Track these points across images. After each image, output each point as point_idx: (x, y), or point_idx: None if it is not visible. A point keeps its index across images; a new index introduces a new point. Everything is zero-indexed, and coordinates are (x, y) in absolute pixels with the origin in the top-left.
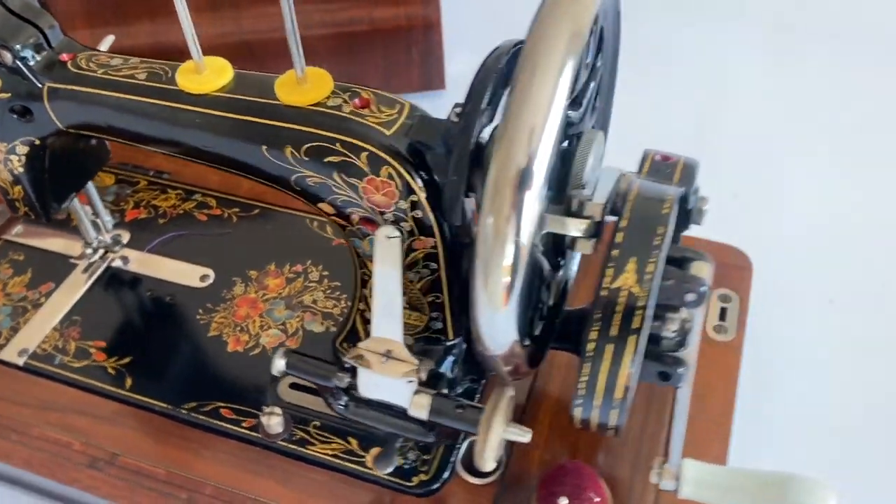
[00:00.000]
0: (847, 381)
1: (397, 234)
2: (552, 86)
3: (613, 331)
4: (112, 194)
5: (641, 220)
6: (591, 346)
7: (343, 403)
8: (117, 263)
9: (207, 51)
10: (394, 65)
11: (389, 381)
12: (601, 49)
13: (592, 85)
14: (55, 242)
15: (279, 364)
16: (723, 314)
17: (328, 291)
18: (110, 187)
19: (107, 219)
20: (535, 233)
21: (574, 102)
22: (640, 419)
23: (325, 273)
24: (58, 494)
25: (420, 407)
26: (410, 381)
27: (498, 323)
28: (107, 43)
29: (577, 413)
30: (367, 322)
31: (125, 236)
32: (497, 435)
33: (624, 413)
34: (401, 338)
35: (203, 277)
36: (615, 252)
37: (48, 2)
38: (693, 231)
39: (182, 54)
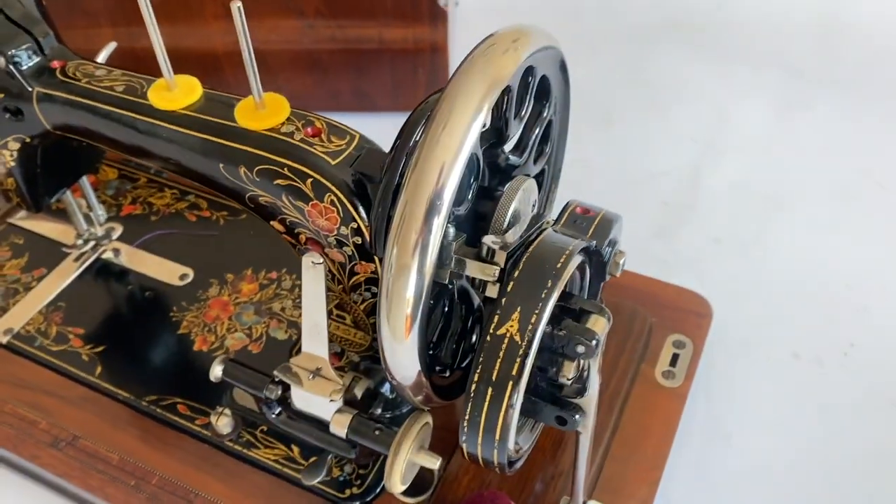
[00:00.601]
0: (803, 441)
1: (321, 260)
2: (465, 126)
3: (493, 375)
4: (113, 188)
5: (533, 272)
6: (473, 386)
7: (276, 413)
8: (108, 255)
9: (222, 57)
10: (401, 83)
11: (316, 397)
12: (547, 99)
13: (537, 131)
14: (54, 229)
15: (216, 371)
16: (674, 360)
17: (297, 301)
18: (112, 181)
19: (99, 212)
20: (437, 266)
21: (517, 148)
22: (571, 457)
23: (298, 282)
24: (17, 465)
25: (340, 425)
26: (333, 401)
27: (400, 354)
28: (107, 51)
29: (464, 447)
30: None
31: (118, 230)
32: (403, 459)
33: (504, 452)
34: (327, 357)
35: (182, 276)
36: (504, 300)
37: (72, 3)
38: (656, 272)
39: (197, 59)
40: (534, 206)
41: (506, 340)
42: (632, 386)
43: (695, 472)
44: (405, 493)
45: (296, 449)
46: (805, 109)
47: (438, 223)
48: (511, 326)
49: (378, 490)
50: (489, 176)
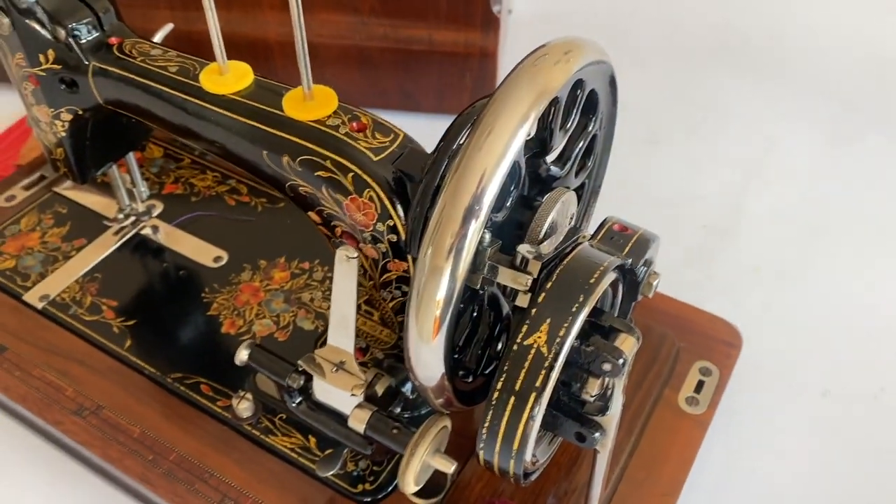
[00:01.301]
0: (826, 481)
1: (355, 255)
2: (510, 134)
3: (517, 385)
4: (157, 166)
5: (566, 285)
6: (495, 395)
7: (296, 402)
8: (147, 231)
9: (274, 46)
10: (447, 86)
11: (338, 390)
12: (594, 113)
13: (581, 145)
14: (97, 202)
15: (242, 355)
16: (699, 387)
17: (326, 293)
18: (157, 159)
19: (142, 189)
20: (470, 271)
21: (560, 160)
22: (586, 475)
23: (330, 274)
24: (40, 429)
25: (359, 420)
26: (354, 395)
27: (425, 355)
28: (163, 32)
29: (481, 454)
30: None
31: (158, 207)
32: (419, 460)
33: (520, 463)
34: (352, 351)
35: (217, 259)
36: (533, 311)
37: None
38: (690, 296)
39: (249, 46)
40: (571, 218)
41: (532, 351)
42: (653, 409)
43: (710, 502)
44: (417, 494)
45: (312, 440)
46: (855, 143)
47: (475, 228)
48: (539, 338)
49: (390, 489)
50: (529, 185)
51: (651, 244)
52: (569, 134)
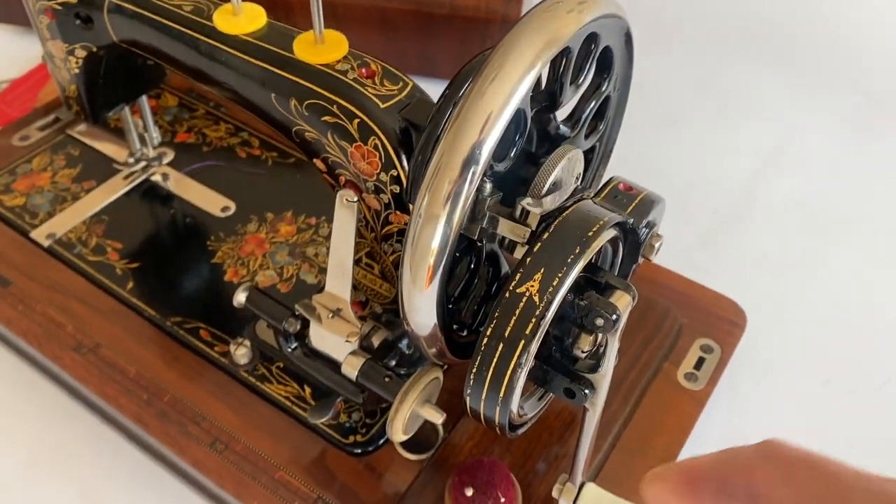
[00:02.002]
0: None
1: (355, 198)
2: (514, 80)
3: (506, 332)
4: (171, 115)
5: (563, 236)
6: (484, 340)
7: (292, 347)
8: (156, 178)
9: (296, 5)
10: (467, 52)
11: (333, 336)
12: (608, 72)
13: (593, 105)
14: (108, 146)
15: (240, 296)
16: (699, 364)
17: None
18: (171, 108)
19: (154, 135)
20: (468, 220)
21: (570, 119)
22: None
23: None
24: (40, 364)
25: (352, 367)
26: (348, 342)
27: (418, 303)
28: None
29: (467, 400)
30: None
31: (169, 155)
32: (408, 408)
33: (506, 412)
34: (349, 298)
35: (224, 209)
36: (528, 259)
37: None
38: (697, 278)
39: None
40: (578, 178)
41: (524, 300)
42: (651, 381)
43: None
44: (408, 449)
45: (307, 389)
46: (876, 138)
47: (474, 175)
48: (531, 286)
49: (381, 442)
50: (537, 143)
51: (655, 205)
52: (580, 91)
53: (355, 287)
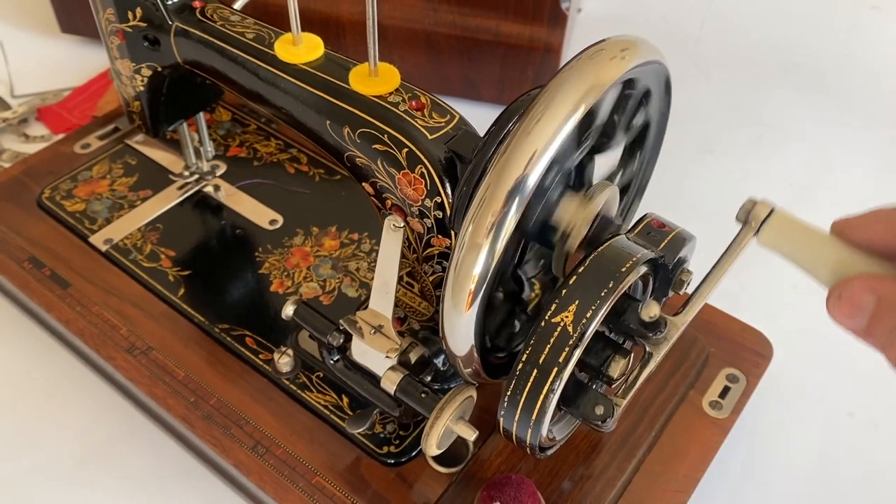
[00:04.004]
0: (841, 501)
1: (402, 224)
2: (559, 122)
3: (541, 358)
4: (224, 129)
5: (598, 270)
6: (520, 366)
7: (334, 360)
8: (209, 190)
9: (347, 25)
10: (509, 78)
11: (374, 351)
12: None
13: (627, 140)
14: (165, 157)
15: (288, 309)
16: (724, 392)
17: (372, 264)
18: (225, 122)
19: (209, 149)
20: (509, 250)
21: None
22: (604, 462)
23: (377, 247)
24: (94, 363)
25: (391, 381)
26: (388, 357)
27: (458, 325)
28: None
29: (501, 422)
30: None
31: (222, 168)
32: (443, 424)
33: (537, 434)
34: (390, 316)
35: (272, 222)
36: (564, 291)
37: None
38: (726, 306)
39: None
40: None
41: (559, 329)
42: (676, 409)
43: None
44: (440, 462)
45: (346, 399)
46: None
47: (516, 209)
48: (566, 317)
49: (413, 454)
50: (574, 177)
51: (687, 243)
52: (621, 131)
53: (396, 304)
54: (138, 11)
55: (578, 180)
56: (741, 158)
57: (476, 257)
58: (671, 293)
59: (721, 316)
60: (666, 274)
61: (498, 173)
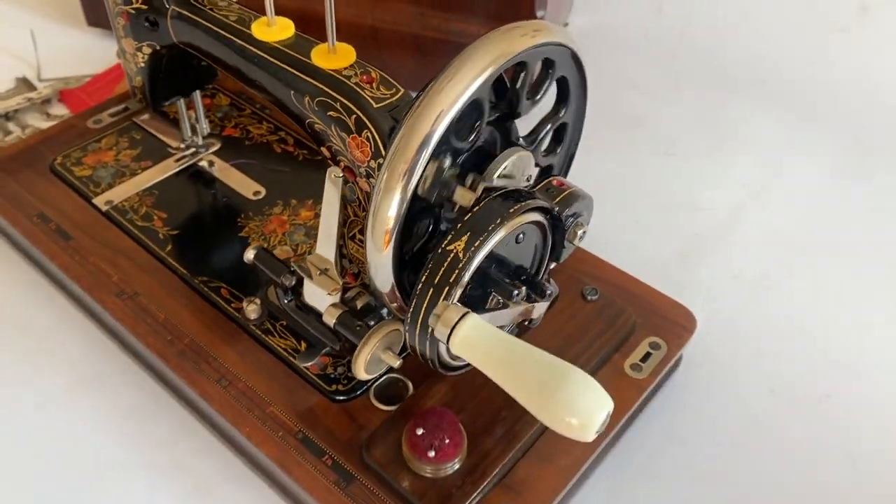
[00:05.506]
0: (754, 468)
1: (341, 174)
2: (467, 81)
3: (436, 279)
4: (222, 112)
5: (489, 209)
6: (419, 286)
7: (287, 299)
8: (203, 164)
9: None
10: None
11: (320, 290)
12: (566, 101)
13: (549, 126)
14: (166, 133)
15: (249, 254)
16: (645, 357)
17: None
18: (223, 106)
19: (204, 126)
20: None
21: (530, 137)
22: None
23: None
24: (86, 306)
25: (331, 315)
26: (330, 295)
27: (379, 264)
28: None
29: (407, 338)
30: (343, 256)
31: (216, 145)
32: (370, 349)
33: (434, 349)
34: (334, 260)
35: (256, 193)
36: (459, 224)
37: None
38: (670, 288)
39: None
40: (528, 180)
41: (451, 255)
42: (599, 368)
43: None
44: (380, 401)
45: (304, 344)
46: (859, 179)
47: (425, 158)
48: (458, 245)
49: (359, 392)
50: (500, 146)
51: (581, 199)
52: (537, 108)
53: (350, 260)
54: None
55: (504, 147)
56: (700, 162)
57: (391, 200)
58: (567, 245)
59: (654, 293)
60: (560, 224)
61: (410, 126)
